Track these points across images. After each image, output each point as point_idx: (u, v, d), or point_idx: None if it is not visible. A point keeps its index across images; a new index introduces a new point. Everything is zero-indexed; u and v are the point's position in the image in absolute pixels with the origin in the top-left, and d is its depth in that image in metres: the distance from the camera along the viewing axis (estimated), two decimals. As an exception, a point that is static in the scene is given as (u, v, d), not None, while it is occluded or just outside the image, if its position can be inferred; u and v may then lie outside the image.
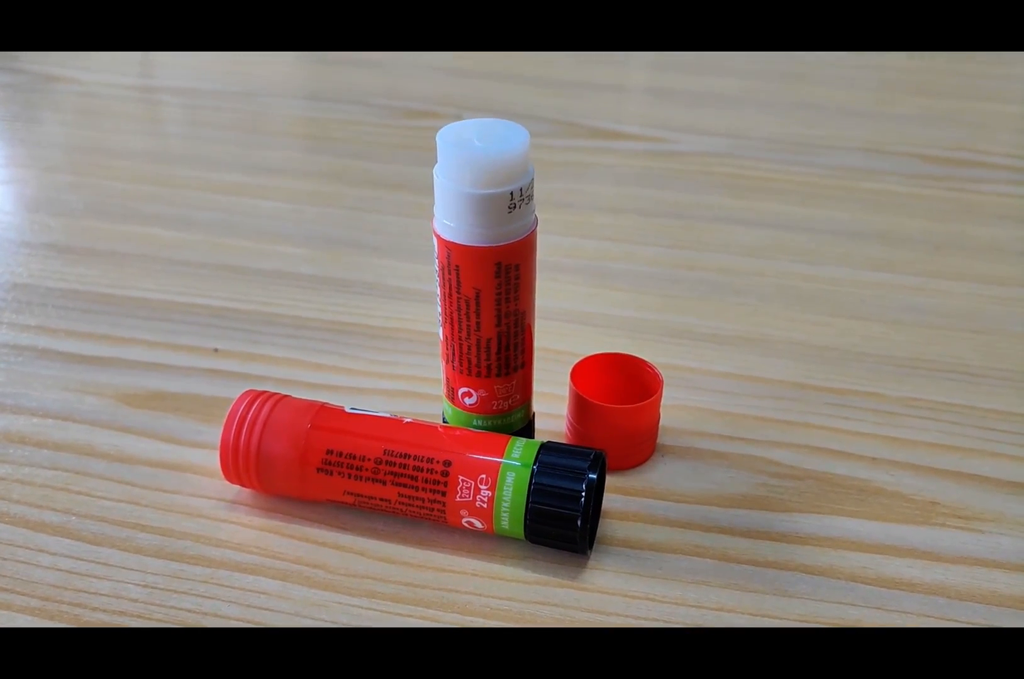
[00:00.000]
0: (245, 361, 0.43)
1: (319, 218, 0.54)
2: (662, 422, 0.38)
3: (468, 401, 0.35)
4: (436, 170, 0.31)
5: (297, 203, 0.55)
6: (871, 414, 0.40)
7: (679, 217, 0.54)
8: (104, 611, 0.31)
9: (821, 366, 0.43)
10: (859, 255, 0.51)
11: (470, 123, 0.31)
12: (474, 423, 0.36)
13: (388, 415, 0.34)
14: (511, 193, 0.30)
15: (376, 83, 0.70)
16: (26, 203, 0.55)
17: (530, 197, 0.31)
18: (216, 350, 0.43)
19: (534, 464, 0.32)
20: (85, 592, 0.32)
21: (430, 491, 0.33)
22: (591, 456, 0.32)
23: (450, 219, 0.31)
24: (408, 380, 0.41)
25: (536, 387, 0.37)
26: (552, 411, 0.39)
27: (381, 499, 0.33)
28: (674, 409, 0.40)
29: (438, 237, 0.32)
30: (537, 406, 0.38)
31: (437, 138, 0.30)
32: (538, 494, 0.32)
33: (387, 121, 0.65)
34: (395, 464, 0.33)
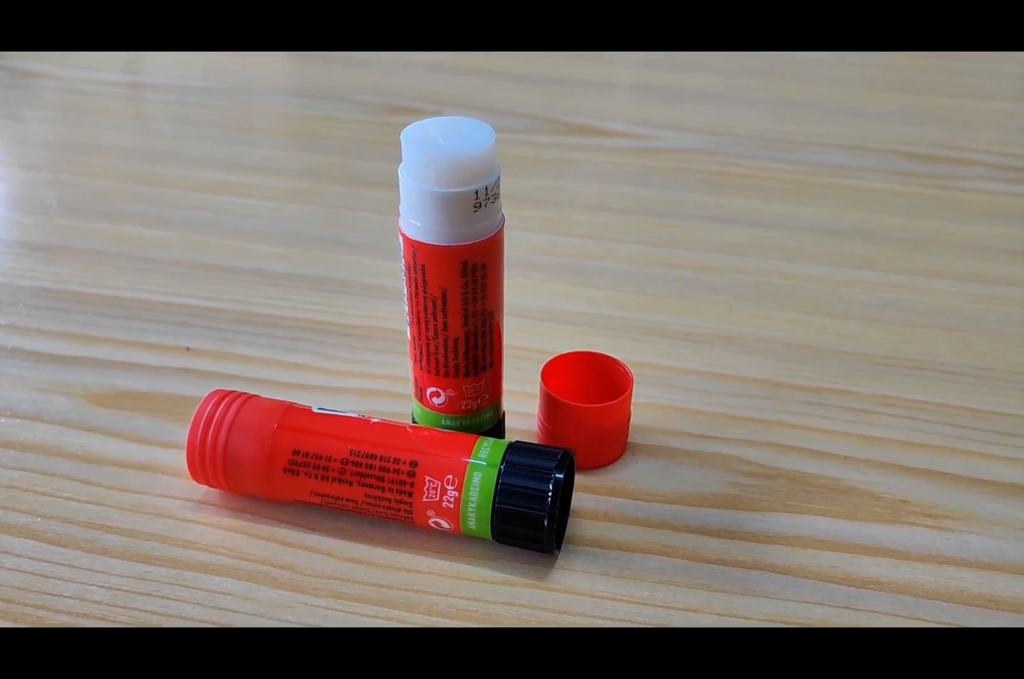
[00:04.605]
0: (217, 360, 0.42)
1: (296, 216, 0.54)
2: (634, 421, 0.38)
3: (436, 401, 0.35)
4: (401, 169, 0.31)
5: (275, 201, 0.55)
6: (845, 412, 0.40)
7: (658, 214, 0.54)
8: (67, 613, 0.31)
9: (796, 364, 0.42)
10: (838, 252, 0.51)
11: (435, 121, 0.31)
12: (443, 423, 0.35)
13: (356, 415, 0.34)
14: (476, 192, 0.30)
15: (361, 79, 0.70)
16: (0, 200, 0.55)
17: (496, 196, 0.31)
18: (188, 349, 0.43)
19: (501, 464, 0.32)
20: (48, 594, 0.32)
21: (396, 491, 0.32)
22: (558, 456, 0.32)
23: (415, 218, 0.31)
24: (381, 379, 0.41)
25: (509, 386, 0.37)
26: (525, 410, 0.39)
27: (348, 499, 0.33)
28: (647, 407, 0.40)
29: (404, 236, 0.32)
30: (510, 405, 0.38)
31: (401, 137, 0.30)
32: (505, 494, 0.32)
33: (369, 118, 0.64)
34: (361, 465, 0.32)
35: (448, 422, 0.35)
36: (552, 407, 0.36)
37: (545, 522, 0.31)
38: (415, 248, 0.31)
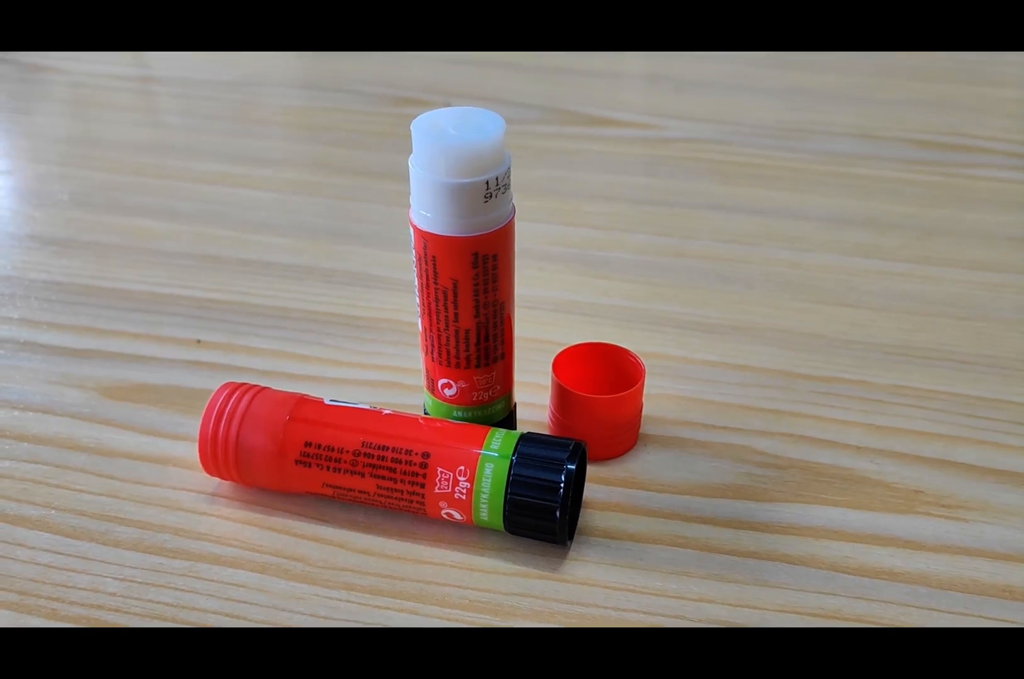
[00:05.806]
0: (228, 352, 0.42)
1: (303, 207, 0.54)
2: (645, 411, 0.38)
3: (448, 392, 0.35)
4: (411, 160, 0.31)
5: (282, 192, 0.55)
6: (857, 402, 0.40)
7: (668, 204, 0.54)
8: (81, 605, 0.31)
9: (807, 354, 0.42)
10: (848, 241, 0.50)
11: (445, 112, 0.31)
12: (454, 414, 0.35)
13: (367, 407, 0.34)
14: (487, 182, 0.30)
15: (368, 71, 0.70)
16: (10, 194, 0.55)
17: (507, 186, 0.31)
18: (199, 341, 0.43)
19: (513, 455, 0.32)
20: (63, 586, 0.32)
21: (409, 483, 0.32)
22: (570, 447, 0.32)
23: (426, 209, 0.31)
24: (391, 371, 0.41)
25: (521, 377, 0.37)
26: (537, 401, 0.39)
27: (360, 491, 0.33)
28: (658, 398, 0.39)
29: (414, 227, 0.32)
30: (522, 396, 0.38)
31: (411, 127, 0.30)
32: (517, 485, 0.32)
33: (375, 109, 0.64)
34: (373, 456, 0.32)
35: (460, 413, 0.35)
36: (564, 398, 0.36)
37: (557, 513, 0.31)
38: (426, 239, 0.31)
